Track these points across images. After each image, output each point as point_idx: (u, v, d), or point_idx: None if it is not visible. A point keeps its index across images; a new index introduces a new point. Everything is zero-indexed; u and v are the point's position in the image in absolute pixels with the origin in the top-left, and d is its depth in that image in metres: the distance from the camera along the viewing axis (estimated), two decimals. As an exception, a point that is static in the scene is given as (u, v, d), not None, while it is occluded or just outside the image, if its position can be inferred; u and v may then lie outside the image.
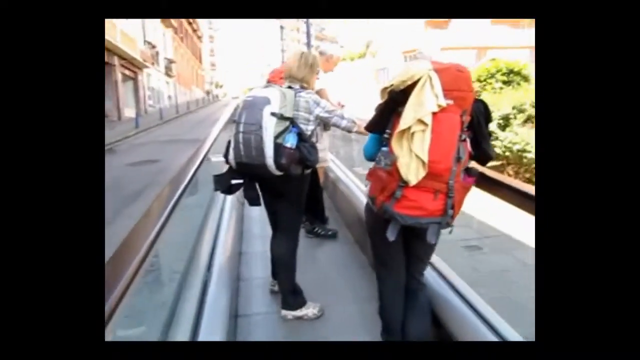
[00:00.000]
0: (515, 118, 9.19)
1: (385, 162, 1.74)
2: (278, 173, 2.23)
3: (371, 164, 1.88)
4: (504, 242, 4.69)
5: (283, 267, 2.63)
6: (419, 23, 29.85)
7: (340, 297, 2.83)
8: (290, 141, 2.22)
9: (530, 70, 11.65)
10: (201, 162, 2.60)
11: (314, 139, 2.39)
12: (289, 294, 2.58)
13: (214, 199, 3.90)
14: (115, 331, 1.08)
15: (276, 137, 2.19)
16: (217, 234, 3.22)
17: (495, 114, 9.93)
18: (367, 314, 2.40)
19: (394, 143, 1.69)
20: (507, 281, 3.87)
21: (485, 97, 11.39)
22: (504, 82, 11.64)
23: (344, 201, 4.18)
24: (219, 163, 3.03)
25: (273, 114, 2.19)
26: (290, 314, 2.56)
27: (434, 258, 2.38)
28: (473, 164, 1.89)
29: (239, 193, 2.54)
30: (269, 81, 2.82)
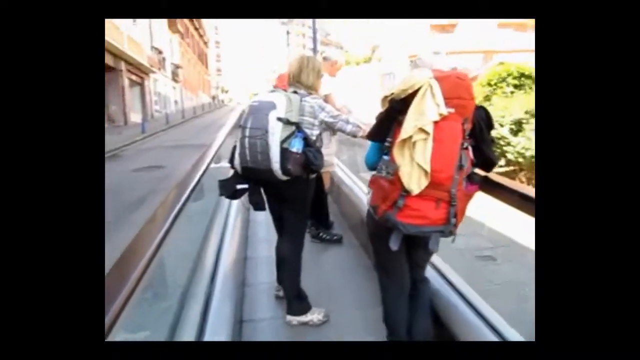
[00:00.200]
0: (527, 123, 9.11)
1: (387, 171, 1.74)
2: (284, 178, 2.24)
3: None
4: (518, 252, 4.61)
5: (288, 272, 2.62)
6: (425, 27, 29.90)
7: (345, 303, 2.82)
8: (296, 146, 2.22)
9: (539, 73, 11.65)
10: (205, 169, 2.60)
11: (318, 144, 2.39)
12: (294, 299, 2.57)
13: (219, 204, 3.90)
14: (119, 335, 1.07)
15: (282, 142, 2.19)
16: (223, 239, 3.22)
17: (507, 119, 9.89)
18: (372, 319, 2.39)
19: (396, 152, 1.69)
20: (523, 293, 3.80)
21: (496, 101, 11.33)
22: (515, 86, 11.58)
23: (348, 205, 4.17)
24: (221, 169, 3.04)
25: (279, 119, 2.20)
26: (295, 319, 2.55)
27: (434, 258, 2.39)
28: (478, 170, 1.89)
29: (244, 198, 2.54)
30: (275, 86, 2.83)
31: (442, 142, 1.62)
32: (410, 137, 1.63)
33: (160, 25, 30.62)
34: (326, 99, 3.55)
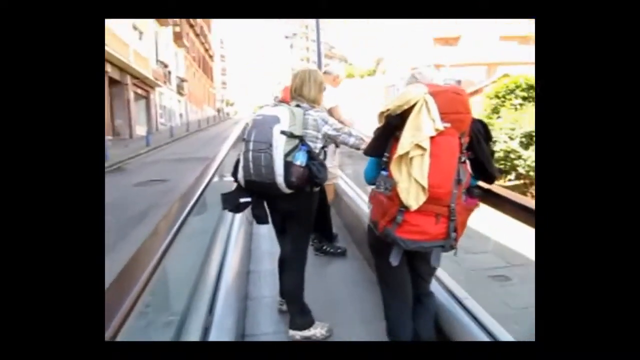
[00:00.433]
0: (538, 136, 9.15)
1: (385, 186, 1.74)
2: (288, 191, 2.24)
3: None
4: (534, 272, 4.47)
5: (291, 285, 2.60)
6: (428, 40, 30.07)
7: (349, 317, 2.79)
8: (300, 159, 2.23)
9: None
10: (208, 183, 2.59)
11: (322, 157, 2.39)
12: (297, 314, 2.55)
13: (222, 217, 3.89)
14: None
15: (286, 155, 2.20)
16: (226, 252, 3.21)
17: (517, 132, 9.84)
18: (376, 333, 2.36)
19: (393, 168, 1.69)
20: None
21: (505, 114, 11.30)
22: (524, 98, 11.56)
23: (352, 218, 4.16)
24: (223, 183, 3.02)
25: (283, 133, 2.21)
26: (298, 334, 2.52)
27: (439, 272, 2.37)
28: (481, 183, 1.88)
29: (248, 211, 2.54)
30: (282, 99, 2.84)
31: (439, 157, 1.62)
32: (407, 152, 1.63)
33: (165, 39, 30.98)
34: (331, 111, 3.58)
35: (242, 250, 3.54)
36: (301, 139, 2.27)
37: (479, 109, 12.64)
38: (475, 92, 15.44)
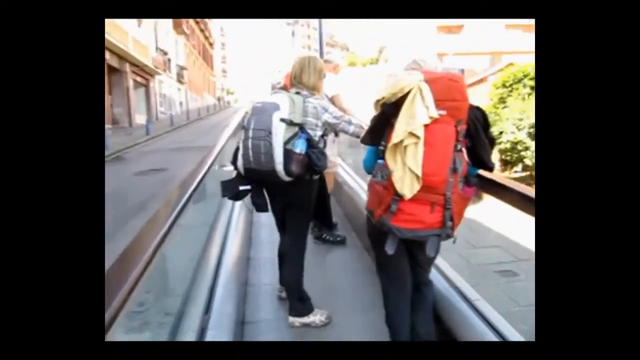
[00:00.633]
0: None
1: (381, 175, 1.73)
2: (287, 179, 2.24)
3: None
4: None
5: (291, 273, 2.61)
6: (431, 28, 29.81)
7: (348, 304, 2.81)
8: (300, 147, 2.22)
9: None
10: (207, 171, 2.59)
11: (321, 145, 2.39)
12: (297, 301, 2.57)
13: (222, 205, 3.90)
14: (120, 333, 1.07)
15: (285, 143, 2.20)
16: (226, 239, 3.22)
17: (525, 122, 9.72)
18: (375, 321, 2.38)
19: (388, 157, 1.68)
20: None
21: (513, 103, 11.17)
22: (532, 88, 11.40)
23: (352, 207, 4.16)
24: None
25: (282, 120, 2.20)
26: (297, 320, 2.54)
27: (438, 260, 2.38)
28: (482, 172, 1.87)
29: (248, 199, 2.54)
30: (284, 85, 2.83)
31: (433, 145, 1.60)
32: (401, 141, 1.61)
33: (165, 26, 30.72)
34: (333, 100, 3.58)
35: (242, 237, 3.55)
36: (301, 127, 2.26)
37: (485, 98, 12.45)
38: (480, 81, 15.22)
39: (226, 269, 2.68)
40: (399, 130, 1.62)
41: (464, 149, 1.72)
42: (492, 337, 1.91)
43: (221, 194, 2.48)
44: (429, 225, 1.68)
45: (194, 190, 2.07)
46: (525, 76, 11.64)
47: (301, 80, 2.44)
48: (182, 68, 35.56)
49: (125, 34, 20.25)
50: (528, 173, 9.83)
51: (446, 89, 1.64)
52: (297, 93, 2.38)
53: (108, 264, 1.12)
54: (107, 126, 16.25)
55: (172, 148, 15.05)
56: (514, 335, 1.91)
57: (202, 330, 2.03)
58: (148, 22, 25.88)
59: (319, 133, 2.38)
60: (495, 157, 11.62)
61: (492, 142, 1.81)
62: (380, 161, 1.77)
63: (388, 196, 1.69)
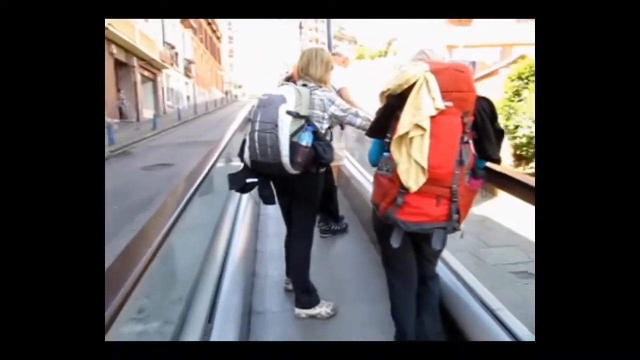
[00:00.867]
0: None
1: (387, 167, 1.71)
2: (293, 172, 2.24)
3: None
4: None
5: (297, 265, 2.63)
6: (442, 20, 29.50)
7: (354, 296, 2.82)
8: (306, 139, 2.22)
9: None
10: (212, 165, 2.60)
11: (328, 137, 2.39)
12: (303, 293, 2.58)
13: (229, 198, 3.93)
14: (129, 323, 1.08)
15: (292, 136, 2.19)
16: (233, 231, 3.24)
17: None
18: (380, 313, 2.39)
19: (393, 149, 1.65)
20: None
21: (528, 96, 10.98)
22: None
23: (359, 201, 4.17)
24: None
25: (289, 113, 2.20)
26: (303, 312, 2.56)
27: (445, 253, 2.38)
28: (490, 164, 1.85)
29: (255, 192, 2.55)
30: (292, 75, 2.83)
31: (439, 137, 1.58)
32: (407, 133, 1.59)
33: (172, 20, 30.73)
34: (340, 92, 3.58)
35: (249, 230, 3.57)
36: (307, 119, 2.25)
37: (497, 91, 12.18)
38: (491, 73, 14.86)
39: (233, 261, 2.70)
40: (405, 121, 1.60)
41: (470, 141, 1.69)
42: (499, 332, 1.91)
43: (228, 187, 2.49)
44: (434, 218, 1.66)
45: (199, 185, 2.08)
46: (543, 68, 11.43)
47: (308, 72, 2.43)
48: (189, 62, 35.58)
49: (133, 28, 20.28)
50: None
51: (452, 80, 1.61)
52: (304, 85, 2.38)
53: (112, 260, 1.13)
54: (115, 120, 16.32)
55: (180, 143, 15.03)
56: (520, 328, 1.91)
57: (216, 289, 2.03)
58: (155, 16, 25.89)
59: (326, 125, 2.37)
60: (509, 151, 11.45)
61: (499, 134, 1.78)
62: (385, 153, 1.74)
63: (393, 189, 1.67)
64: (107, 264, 1.07)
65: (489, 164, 1.85)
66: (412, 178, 1.59)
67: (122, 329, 1.18)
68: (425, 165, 1.56)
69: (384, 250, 2.07)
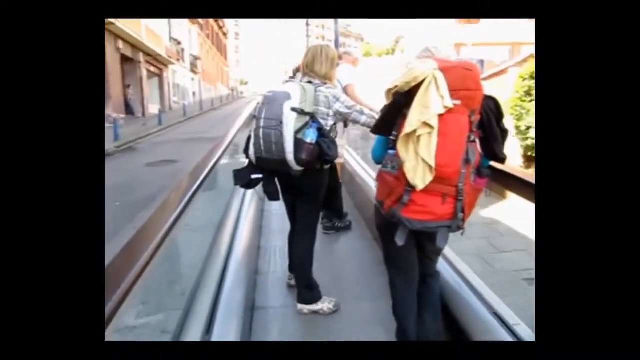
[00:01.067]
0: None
1: (392, 165, 1.70)
2: (297, 168, 2.24)
3: None
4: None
5: (300, 261, 2.64)
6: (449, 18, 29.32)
7: (356, 293, 2.83)
8: (310, 136, 2.22)
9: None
10: (216, 162, 2.60)
11: (333, 134, 2.39)
12: (306, 289, 2.60)
13: (233, 195, 3.94)
14: (130, 317, 1.09)
15: (296, 133, 2.20)
16: (237, 227, 3.25)
17: None
18: (383, 311, 2.39)
19: (400, 147, 1.64)
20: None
21: None
22: None
23: (363, 198, 4.17)
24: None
25: (293, 109, 2.20)
26: (306, 308, 2.57)
27: (446, 251, 2.38)
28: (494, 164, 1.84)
29: (259, 188, 2.56)
30: (298, 67, 2.83)
31: (447, 135, 1.57)
32: (415, 131, 1.58)
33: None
34: (346, 89, 3.59)
35: (253, 226, 3.58)
36: (312, 116, 2.26)
37: (508, 90, 12.03)
38: (500, 72, 14.69)
39: (236, 257, 2.71)
40: (413, 119, 1.59)
41: (477, 140, 1.69)
42: (499, 329, 1.91)
43: (233, 182, 2.50)
44: (439, 216, 1.66)
45: (201, 183, 2.08)
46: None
47: (313, 68, 2.43)
48: (195, 58, 35.58)
49: (139, 23, 20.29)
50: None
51: (461, 79, 1.61)
52: (309, 82, 2.38)
53: (112, 258, 1.13)
54: (120, 116, 16.35)
55: (185, 139, 14.96)
56: (521, 328, 1.90)
57: (219, 284, 2.03)
58: (162, 12, 25.84)
59: (331, 122, 2.38)
60: (519, 152, 11.37)
61: (503, 133, 1.78)
62: (391, 151, 1.74)
63: (399, 187, 1.66)
64: (107, 262, 1.07)
65: (493, 163, 1.85)
66: (419, 176, 1.58)
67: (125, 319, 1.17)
68: (432, 163, 1.55)
69: (386, 248, 2.07)
